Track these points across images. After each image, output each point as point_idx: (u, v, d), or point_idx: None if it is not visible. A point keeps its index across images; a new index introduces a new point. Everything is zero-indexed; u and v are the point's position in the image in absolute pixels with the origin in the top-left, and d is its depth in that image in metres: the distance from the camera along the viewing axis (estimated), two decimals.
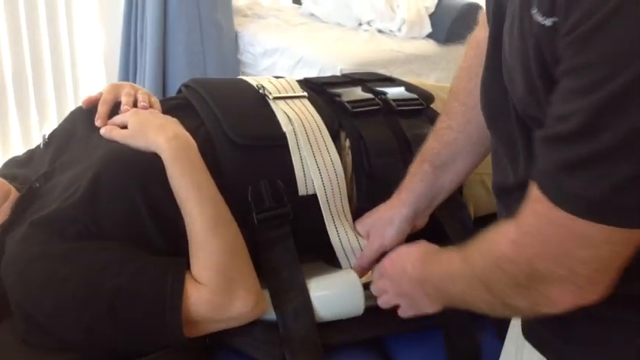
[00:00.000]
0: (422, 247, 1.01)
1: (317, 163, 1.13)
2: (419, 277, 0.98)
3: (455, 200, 1.19)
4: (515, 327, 0.96)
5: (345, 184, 1.15)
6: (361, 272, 1.14)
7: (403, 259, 1.03)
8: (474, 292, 0.83)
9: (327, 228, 1.13)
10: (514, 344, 0.96)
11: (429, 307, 1.00)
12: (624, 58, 0.58)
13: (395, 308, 1.08)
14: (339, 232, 1.13)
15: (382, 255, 1.11)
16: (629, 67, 0.58)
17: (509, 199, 0.85)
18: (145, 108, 1.17)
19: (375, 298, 1.13)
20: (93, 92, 1.24)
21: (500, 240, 0.77)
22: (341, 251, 1.14)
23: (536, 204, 0.70)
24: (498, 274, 0.76)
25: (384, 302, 1.08)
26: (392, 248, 1.10)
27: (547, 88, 0.68)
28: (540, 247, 0.71)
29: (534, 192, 0.70)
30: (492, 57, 0.84)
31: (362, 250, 1.14)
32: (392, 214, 1.13)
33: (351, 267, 1.14)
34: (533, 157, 0.72)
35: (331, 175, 1.13)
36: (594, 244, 0.66)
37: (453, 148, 1.09)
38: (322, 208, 1.12)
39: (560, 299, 0.72)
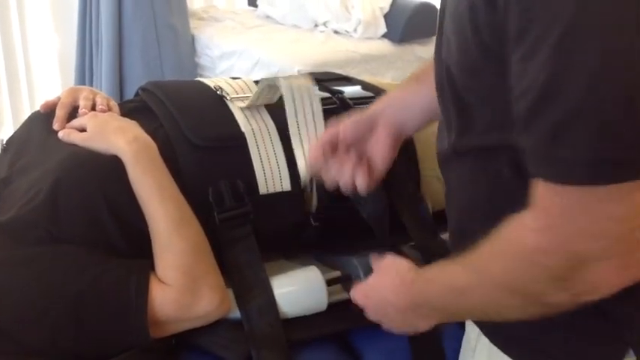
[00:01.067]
0: (395, 272, 0.91)
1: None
2: (408, 305, 0.88)
3: (413, 195, 1.22)
4: None
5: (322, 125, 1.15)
6: (310, 157, 1.04)
7: (380, 291, 0.93)
8: (495, 301, 0.76)
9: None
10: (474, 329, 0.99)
11: (423, 326, 0.91)
12: (550, 12, 0.59)
13: (356, 306, 1.10)
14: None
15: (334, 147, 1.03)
16: (559, 19, 0.59)
17: (447, 167, 0.87)
18: (103, 111, 1.18)
19: (338, 294, 1.15)
20: (49, 97, 1.24)
21: (520, 235, 0.70)
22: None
23: (546, 193, 0.66)
24: (531, 272, 0.70)
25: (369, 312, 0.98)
26: (344, 134, 1.01)
27: (480, 48, 0.70)
28: (571, 225, 0.66)
29: (540, 185, 0.67)
30: (440, 27, 0.84)
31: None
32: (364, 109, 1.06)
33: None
34: (462, 127, 0.75)
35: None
36: (618, 199, 0.63)
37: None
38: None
39: (605, 280, 0.67)
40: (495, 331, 0.87)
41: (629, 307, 0.79)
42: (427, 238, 1.19)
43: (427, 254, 1.16)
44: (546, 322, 0.79)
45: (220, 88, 1.24)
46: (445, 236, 1.17)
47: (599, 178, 0.62)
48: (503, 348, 0.86)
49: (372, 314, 0.96)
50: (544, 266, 0.68)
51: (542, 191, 0.67)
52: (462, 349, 1.03)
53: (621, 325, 0.80)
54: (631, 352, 0.82)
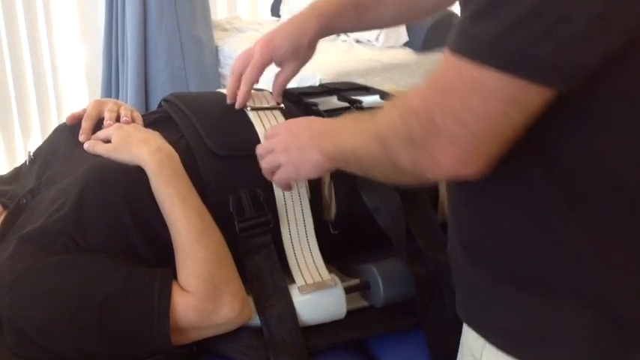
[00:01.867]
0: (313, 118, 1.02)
1: None
2: (315, 131, 0.97)
3: (424, 205, 1.23)
4: None
5: (307, 199, 1.16)
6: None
7: (312, 119, 1.03)
8: (367, 146, 0.84)
9: (283, 238, 1.15)
10: None
11: (311, 166, 0.98)
12: None
13: (375, 313, 1.12)
14: (294, 244, 1.15)
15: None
16: None
17: None
18: (127, 123, 1.20)
19: (357, 301, 1.16)
20: (76, 108, 1.27)
21: (410, 94, 0.77)
22: (294, 264, 1.14)
23: (445, 60, 0.72)
24: (397, 126, 0.78)
25: (266, 162, 1.07)
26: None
27: None
28: (440, 97, 0.72)
29: (445, 54, 0.73)
30: None
31: (315, 264, 1.15)
32: None
33: (304, 282, 1.12)
34: None
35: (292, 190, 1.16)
36: (486, 94, 0.69)
37: None
38: (280, 220, 1.15)
39: (444, 160, 0.73)
40: (503, 338, 0.87)
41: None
42: (436, 249, 1.19)
43: (435, 265, 1.17)
44: (560, 323, 0.81)
45: None
46: None
47: (485, 56, 0.67)
48: (515, 353, 0.85)
49: (280, 138, 1.03)
50: (407, 124, 0.75)
51: (442, 63, 0.73)
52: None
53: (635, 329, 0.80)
54: None
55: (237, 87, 1.22)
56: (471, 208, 0.87)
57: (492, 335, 0.88)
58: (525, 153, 0.75)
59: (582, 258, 0.78)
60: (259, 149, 1.09)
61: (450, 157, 0.73)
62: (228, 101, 1.23)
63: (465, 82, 0.70)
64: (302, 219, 1.16)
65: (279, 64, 1.24)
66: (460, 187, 0.86)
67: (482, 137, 0.71)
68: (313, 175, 1.02)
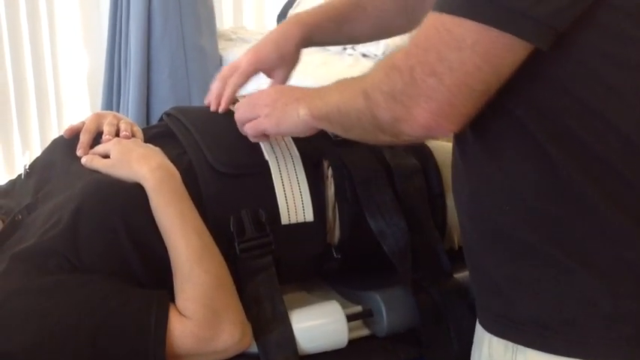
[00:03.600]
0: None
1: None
2: (309, 92, 1.03)
3: (430, 232, 1.20)
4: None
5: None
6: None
7: (298, 87, 1.09)
8: (352, 101, 0.89)
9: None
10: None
11: (294, 122, 1.03)
12: None
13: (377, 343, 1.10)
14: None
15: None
16: None
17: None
18: (127, 137, 1.17)
19: (358, 330, 1.13)
20: (77, 119, 1.24)
21: (397, 53, 0.82)
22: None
23: (427, 20, 0.78)
24: (382, 82, 0.82)
25: (243, 112, 1.12)
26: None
27: None
28: (423, 54, 0.77)
29: (428, 15, 0.78)
30: None
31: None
32: None
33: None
34: None
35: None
36: (463, 47, 0.73)
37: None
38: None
39: (419, 115, 0.78)
40: (537, 333, 0.85)
41: None
42: (442, 277, 1.17)
43: (441, 294, 1.14)
44: (588, 301, 0.80)
45: None
46: (461, 275, 1.16)
47: (462, 9, 0.73)
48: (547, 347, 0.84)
49: (263, 95, 1.10)
50: (391, 79, 0.81)
51: (424, 23, 0.79)
52: None
53: None
54: None
55: (222, 92, 1.24)
56: (489, 190, 0.87)
57: (524, 334, 0.86)
58: (539, 133, 0.78)
59: (613, 229, 0.78)
60: (238, 105, 1.14)
61: (426, 112, 0.77)
62: (212, 108, 1.24)
63: (442, 37, 0.75)
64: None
65: (268, 73, 1.28)
66: (476, 168, 0.89)
67: (456, 92, 0.75)
68: (293, 132, 1.08)
